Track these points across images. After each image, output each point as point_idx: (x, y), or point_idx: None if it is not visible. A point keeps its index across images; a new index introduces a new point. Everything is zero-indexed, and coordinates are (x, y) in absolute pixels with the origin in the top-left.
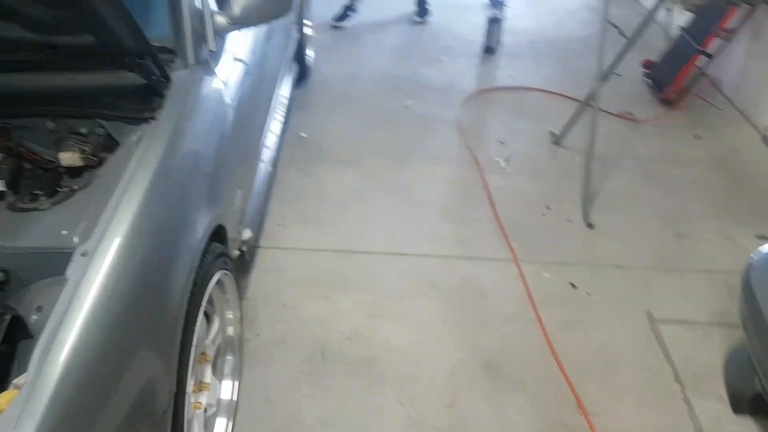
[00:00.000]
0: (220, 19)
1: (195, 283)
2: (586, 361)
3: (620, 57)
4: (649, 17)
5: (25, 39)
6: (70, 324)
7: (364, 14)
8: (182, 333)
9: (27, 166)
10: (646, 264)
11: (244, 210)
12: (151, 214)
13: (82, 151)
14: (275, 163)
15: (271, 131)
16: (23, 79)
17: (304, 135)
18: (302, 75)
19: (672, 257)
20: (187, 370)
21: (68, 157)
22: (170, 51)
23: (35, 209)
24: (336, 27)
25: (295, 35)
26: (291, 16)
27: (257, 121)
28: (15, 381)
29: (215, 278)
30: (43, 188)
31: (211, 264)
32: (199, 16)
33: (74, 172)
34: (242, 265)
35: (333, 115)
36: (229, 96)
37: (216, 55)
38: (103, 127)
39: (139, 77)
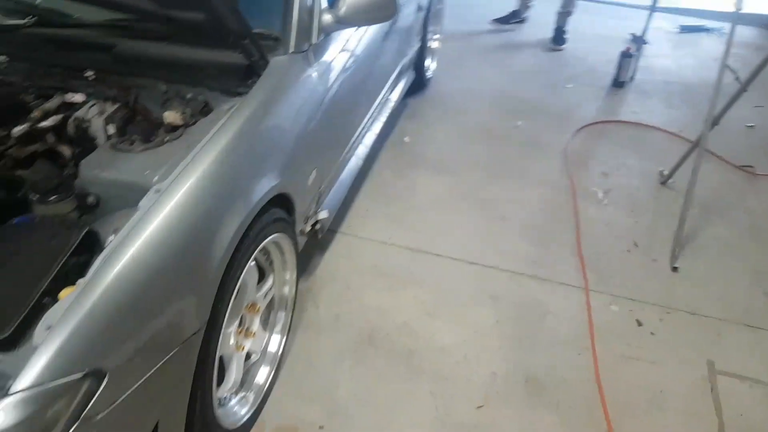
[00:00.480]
0: (327, 17)
1: (246, 235)
2: (631, 398)
3: (731, 103)
4: (762, 65)
5: (152, 13)
6: (129, 244)
7: (499, 35)
8: (224, 275)
9: (138, 118)
10: (722, 315)
11: (323, 192)
12: (220, 168)
13: (183, 113)
14: (370, 159)
15: (370, 130)
16: (148, 46)
17: (407, 140)
18: (419, 84)
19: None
20: (224, 308)
21: (170, 116)
22: (276, 39)
23: (130, 151)
24: (496, 23)
25: (415, 45)
26: (414, 26)
27: (353, 116)
28: (79, 281)
29: (271, 238)
30: (141, 135)
31: (267, 224)
32: (308, 12)
33: (172, 128)
34: (314, 241)
35: (441, 125)
36: (323, 86)
37: (319, 48)
38: (204, 95)
39: (241, 57)
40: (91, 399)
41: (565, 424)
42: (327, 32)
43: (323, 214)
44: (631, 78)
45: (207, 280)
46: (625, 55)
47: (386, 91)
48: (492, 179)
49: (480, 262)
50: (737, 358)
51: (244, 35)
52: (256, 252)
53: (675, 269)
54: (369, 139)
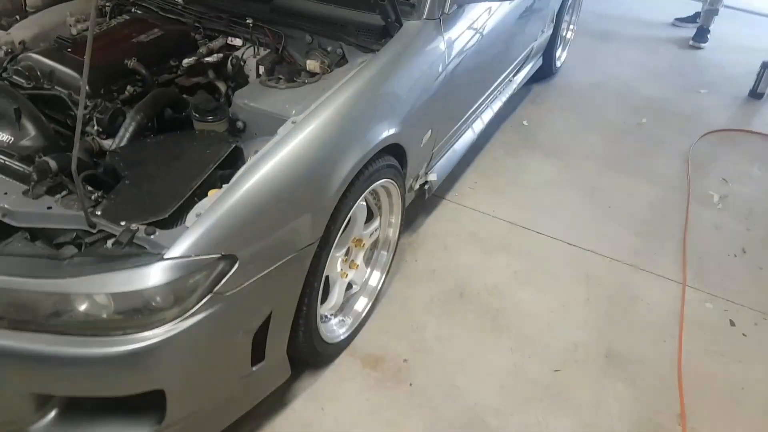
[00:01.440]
0: None
1: (361, 173)
2: (710, 388)
3: None
4: None
5: None
6: (265, 162)
7: (639, 32)
8: (338, 203)
9: (285, 62)
10: None
11: (435, 156)
12: (347, 111)
13: (322, 62)
14: (485, 136)
15: (490, 107)
16: (300, 2)
17: (526, 123)
18: (547, 71)
19: None
20: (335, 232)
21: (312, 64)
22: (412, 5)
23: (276, 87)
24: (676, 25)
25: (547, 31)
26: (547, 13)
27: (473, 89)
28: (224, 186)
29: (382, 181)
30: (285, 76)
31: (380, 167)
32: None
33: (312, 74)
34: (421, 200)
35: (562, 113)
36: (449, 55)
37: (450, 18)
38: (342, 48)
39: (378, 18)
40: (224, 277)
41: (638, 399)
42: (460, 4)
43: (432, 177)
44: None
45: (323, 204)
46: (767, 66)
47: (510, 73)
48: (605, 170)
49: (579, 245)
50: None
51: None
52: (367, 190)
53: None
54: (487, 115)
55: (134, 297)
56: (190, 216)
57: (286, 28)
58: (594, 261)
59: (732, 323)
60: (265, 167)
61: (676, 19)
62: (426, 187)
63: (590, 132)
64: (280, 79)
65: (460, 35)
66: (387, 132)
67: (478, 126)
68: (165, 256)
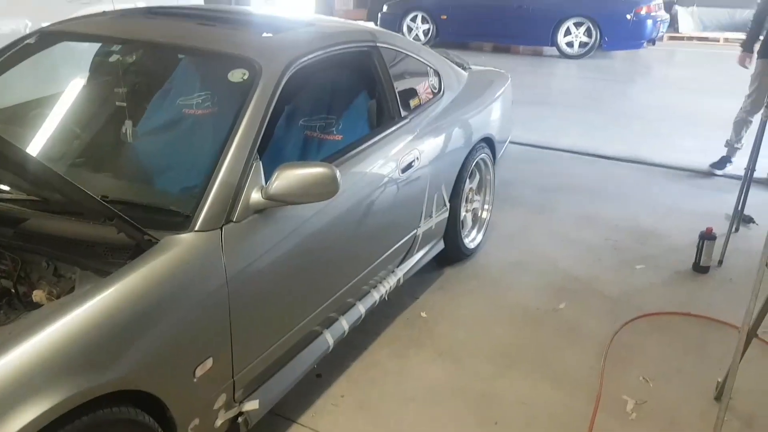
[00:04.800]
0: (255, 195)
1: None
2: None
3: None
4: None
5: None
6: None
7: (577, 201)
8: None
9: (11, 295)
10: None
11: (245, 381)
12: (21, 365)
13: (50, 293)
14: (369, 334)
15: (357, 307)
16: (48, 223)
17: (424, 315)
18: (457, 255)
19: None
20: None
21: (38, 296)
22: (186, 216)
23: None
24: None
25: (438, 217)
26: (431, 197)
27: (298, 296)
28: None
29: None
30: None
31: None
32: (230, 189)
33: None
34: None
35: (469, 301)
36: (234, 269)
37: (244, 227)
38: (77, 273)
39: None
40: None
41: None
42: (255, 210)
43: (252, 405)
44: (719, 263)
45: None
46: (706, 237)
47: (377, 268)
48: (503, 371)
49: None
50: None
51: (110, 217)
52: None
53: None
54: (353, 316)
55: None
56: None
57: (28, 252)
58: None
59: None
60: None
61: (710, 165)
62: (240, 420)
63: (497, 322)
64: None
65: (262, 242)
66: (102, 379)
67: (338, 330)
68: None
